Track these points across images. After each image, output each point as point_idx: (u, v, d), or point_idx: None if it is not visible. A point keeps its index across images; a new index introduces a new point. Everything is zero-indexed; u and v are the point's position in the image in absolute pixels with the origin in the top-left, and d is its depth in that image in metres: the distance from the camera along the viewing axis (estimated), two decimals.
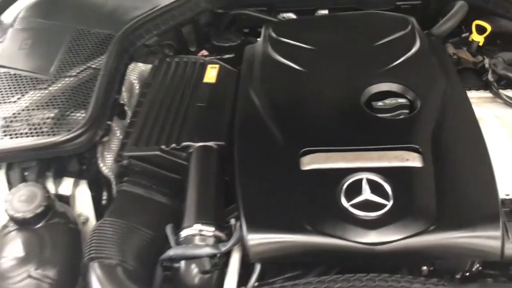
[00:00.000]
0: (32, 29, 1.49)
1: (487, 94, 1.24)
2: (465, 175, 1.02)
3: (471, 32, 1.38)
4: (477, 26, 1.38)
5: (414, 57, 1.25)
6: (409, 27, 1.34)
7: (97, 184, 1.22)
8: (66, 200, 1.19)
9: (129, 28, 1.43)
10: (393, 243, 0.92)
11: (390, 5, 1.49)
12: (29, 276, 1.00)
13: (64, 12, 1.57)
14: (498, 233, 0.92)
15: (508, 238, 0.95)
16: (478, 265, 0.98)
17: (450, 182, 1.00)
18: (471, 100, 1.17)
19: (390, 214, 0.95)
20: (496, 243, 0.91)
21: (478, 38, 1.37)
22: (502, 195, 1.00)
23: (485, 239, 0.92)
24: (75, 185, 1.21)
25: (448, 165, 1.03)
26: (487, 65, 1.28)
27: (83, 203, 1.20)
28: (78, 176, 1.23)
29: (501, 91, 1.22)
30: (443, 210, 0.95)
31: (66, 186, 1.21)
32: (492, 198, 0.96)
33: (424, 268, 0.99)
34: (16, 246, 1.03)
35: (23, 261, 1.01)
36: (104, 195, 1.23)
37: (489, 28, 1.37)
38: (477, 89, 1.26)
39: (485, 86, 1.26)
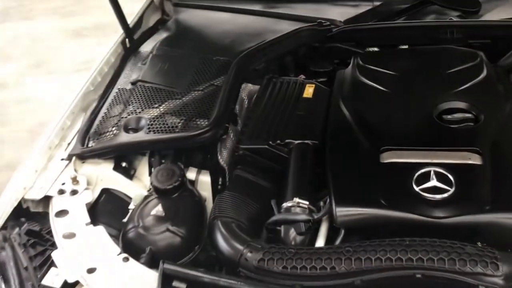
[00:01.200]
0: (167, 56, 1.89)
1: None
2: None
3: None
4: None
5: (480, 83, 1.50)
6: (478, 59, 1.59)
7: (215, 172, 1.55)
8: (192, 183, 1.53)
9: (243, 56, 1.78)
10: (452, 218, 1.16)
11: (463, 43, 1.74)
12: (167, 230, 1.32)
13: (191, 44, 1.98)
14: None
15: None
16: None
17: (504, 177, 1.23)
18: None
19: (452, 197, 1.19)
20: None
21: None
22: None
23: None
24: (198, 173, 1.55)
25: (503, 165, 1.26)
26: None
27: (204, 186, 1.54)
28: (201, 166, 1.57)
29: None
30: (496, 197, 1.18)
31: (191, 173, 1.55)
32: None
33: (479, 243, 1.20)
34: (158, 208, 1.37)
35: (163, 219, 1.34)
36: (220, 182, 1.55)
37: None
38: None
39: None
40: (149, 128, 1.56)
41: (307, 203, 1.28)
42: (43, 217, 1.43)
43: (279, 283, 1.11)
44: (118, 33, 2.05)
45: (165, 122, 1.57)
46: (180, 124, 1.56)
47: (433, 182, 1.23)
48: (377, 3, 1.96)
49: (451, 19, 1.87)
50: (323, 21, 1.86)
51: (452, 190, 1.21)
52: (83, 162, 1.56)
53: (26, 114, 4.23)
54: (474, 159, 1.27)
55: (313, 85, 1.67)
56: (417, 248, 1.08)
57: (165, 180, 1.40)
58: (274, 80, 1.73)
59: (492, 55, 1.67)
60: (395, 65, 1.63)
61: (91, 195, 1.46)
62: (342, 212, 1.23)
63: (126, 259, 1.24)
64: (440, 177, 1.23)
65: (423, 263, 1.05)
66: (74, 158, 1.55)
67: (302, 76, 1.78)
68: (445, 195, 1.20)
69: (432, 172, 1.24)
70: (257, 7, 2.09)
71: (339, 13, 1.94)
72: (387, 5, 1.95)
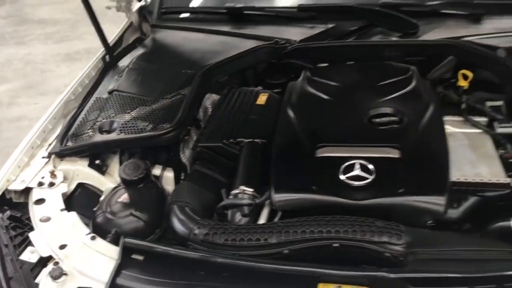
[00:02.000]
0: (142, 69, 2.12)
1: (461, 118, 1.69)
2: (428, 165, 1.46)
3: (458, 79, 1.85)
4: (463, 74, 1.84)
5: (408, 92, 1.73)
6: (409, 73, 1.83)
7: (178, 169, 1.76)
8: (157, 178, 1.74)
9: (207, 69, 2.01)
10: (370, 200, 1.37)
11: (402, 60, 1.98)
12: (131, 214, 1.52)
13: (164, 59, 2.21)
14: (442, 200, 1.35)
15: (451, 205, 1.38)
16: (431, 221, 1.39)
17: (417, 169, 1.45)
18: (450, 121, 1.65)
19: (371, 183, 1.40)
20: (440, 207, 1.35)
21: (463, 83, 1.82)
22: (453, 178, 1.43)
23: (433, 204, 1.35)
24: (163, 169, 1.76)
25: (418, 158, 1.48)
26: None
27: (168, 181, 1.74)
28: (165, 164, 1.78)
29: (470, 117, 1.67)
30: (409, 183, 1.39)
31: (157, 170, 1.76)
32: (443, 178, 1.40)
33: None
34: (125, 196, 1.58)
35: (128, 205, 1.55)
36: (182, 177, 1.76)
37: (471, 75, 1.83)
38: (456, 115, 1.71)
39: (460, 113, 1.71)
40: (120, 130, 1.77)
41: (252, 190, 1.49)
42: (24, 206, 1.62)
43: (221, 253, 1.30)
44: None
45: (135, 125, 1.79)
46: (148, 127, 1.77)
47: (357, 172, 1.44)
48: (330, 25, 2.21)
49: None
50: (279, 40, 2.10)
51: (371, 178, 1.42)
52: (61, 160, 1.77)
53: (18, 131, 4.42)
54: (393, 153, 1.49)
55: (267, 94, 1.89)
56: (336, 222, 1.29)
57: (131, 173, 1.61)
58: (233, 90, 1.95)
59: (428, 69, 1.91)
60: (338, 78, 1.86)
61: (67, 188, 1.67)
62: (280, 197, 1.44)
63: (93, 238, 1.44)
64: (363, 168, 1.45)
65: (339, 234, 1.26)
66: (53, 156, 1.76)
67: (260, 88, 2.01)
68: (366, 182, 1.41)
69: (356, 164, 1.46)
70: (224, 29, 2.34)
71: (296, 34, 2.19)
72: (338, 27, 2.19)
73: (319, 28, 2.21)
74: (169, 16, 2.55)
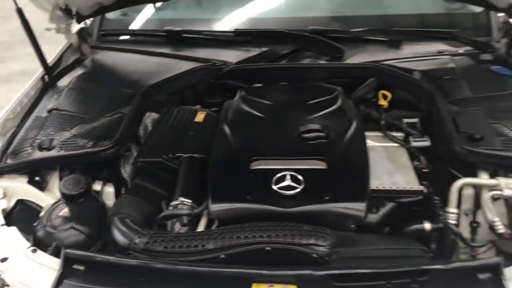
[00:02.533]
0: (82, 89, 2.17)
1: (380, 133, 1.87)
2: (351, 175, 1.61)
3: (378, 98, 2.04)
4: (382, 94, 2.03)
5: (334, 110, 1.89)
6: (335, 93, 1.99)
7: (119, 184, 1.82)
8: (98, 193, 1.78)
9: (147, 89, 2.09)
10: (300, 207, 1.49)
11: (328, 81, 2.15)
12: (72, 228, 1.57)
13: (103, 79, 2.27)
14: (363, 207, 1.49)
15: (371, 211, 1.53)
16: (353, 225, 1.53)
17: (341, 179, 1.59)
18: (371, 136, 1.81)
19: (300, 192, 1.53)
20: (361, 213, 1.49)
21: (383, 102, 2.01)
22: (373, 186, 1.59)
23: (355, 210, 1.50)
24: (103, 185, 1.82)
25: (342, 169, 1.62)
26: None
27: (109, 196, 1.79)
28: (106, 180, 1.83)
29: (389, 132, 1.85)
30: (334, 192, 1.53)
31: (97, 185, 1.81)
32: (364, 187, 1.55)
33: None
34: (65, 210, 1.62)
35: (69, 219, 1.59)
36: (122, 192, 1.82)
37: (390, 95, 2.02)
38: (376, 130, 1.89)
39: (380, 129, 1.89)
40: (60, 147, 1.81)
41: (190, 201, 1.58)
42: None
43: (160, 260, 1.38)
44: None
45: (75, 142, 1.84)
46: (88, 144, 1.83)
47: (287, 182, 1.56)
48: (264, 49, 2.36)
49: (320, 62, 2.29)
50: (216, 62, 2.22)
51: (301, 187, 1.55)
52: (0, 177, 1.78)
53: None
54: (320, 165, 1.63)
55: (205, 112, 2.00)
56: (268, 228, 1.40)
57: (72, 187, 1.66)
58: (172, 108, 2.04)
59: (352, 90, 2.08)
60: (271, 97, 2.00)
61: (6, 204, 1.69)
62: (217, 207, 1.54)
63: (34, 251, 1.47)
64: (293, 178, 1.57)
65: (270, 239, 1.37)
66: None
67: (198, 106, 2.11)
68: (295, 191, 1.54)
69: (287, 175, 1.58)
70: (163, 50, 2.43)
71: (232, 56, 2.32)
72: (271, 50, 2.34)
73: (254, 51, 2.35)
74: (108, 38, 2.62)
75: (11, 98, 2.18)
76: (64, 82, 2.27)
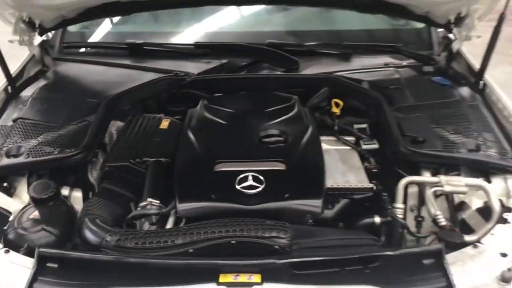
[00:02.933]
0: (46, 98, 2.22)
1: (334, 138, 2.03)
2: (308, 175, 1.75)
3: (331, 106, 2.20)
4: (335, 102, 2.19)
5: (291, 117, 2.03)
6: (292, 101, 2.13)
7: (86, 189, 1.88)
8: (66, 198, 1.84)
9: (111, 98, 2.17)
10: (262, 205, 1.61)
11: (285, 91, 2.29)
12: (43, 229, 1.62)
13: (67, 89, 2.33)
14: (319, 203, 1.63)
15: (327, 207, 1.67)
16: (311, 220, 1.66)
17: (299, 178, 1.72)
18: (325, 140, 1.96)
19: (261, 191, 1.65)
20: (318, 209, 1.63)
21: (335, 110, 2.17)
22: (328, 185, 1.73)
23: (312, 206, 1.63)
24: (71, 190, 1.88)
25: (300, 170, 1.75)
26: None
27: (77, 201, 1.86)
28: (73, 185, 1.89)
29: (341, 136, 2.01)
30: (293, 190, 1.66)
31: (65, 190, 1.87)
32: (320, 185, 1.69)
33: None
34: (35, 213, 1.67)
35: (39, 221, 1.64)
36: (90, 196, 1.88)
37: (342, 103, 2.18)
38: (330, 135, 2.04)
39: (333, 134, 2.04)
40: (28, 153, 1.86)
41: (158, 202, 1.67)
42: None
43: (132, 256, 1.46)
44: None
45: (42, 149, 1.89)
46: (55, 150, 1.89)
47: (250, 182, 1.68)
48: (224, 61, 2.48)
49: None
50: (178, 73, 2.33)
51: (262, 187, 1.67)
52: None
53: None
54: (279, 166, 1.76)
55: (169, 120, 2.09)
56: (233, 224, 1.50)
57: (41, 192, 1.72)
58: (137, 117, 2.13)
59: (307, 98, 2.23)
60: (232, 105, 2.12)
61: None
62: (184, 206, 1.64)
63: (7, 251, 1.52)
64: (255, 179, 1.69)
65: (236, 233, 1.48)
66: None
67: (162, 115, 2.21)
68: (257, 190, 1.66)
69: (249, 176, 1.70)
70: (126, 62, 2.52)
71: (194, 67, 2.43)
72: (231, 62, 2.47)
73: (214, 63, 2.47)
74: (70, 50, 2.68)
75: None
76: (27, 92, 2.32)
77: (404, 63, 2.50)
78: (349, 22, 2.80)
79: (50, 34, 2.65)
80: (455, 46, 2.48)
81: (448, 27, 2.43)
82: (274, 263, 1.39)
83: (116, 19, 2.81)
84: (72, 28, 2.74)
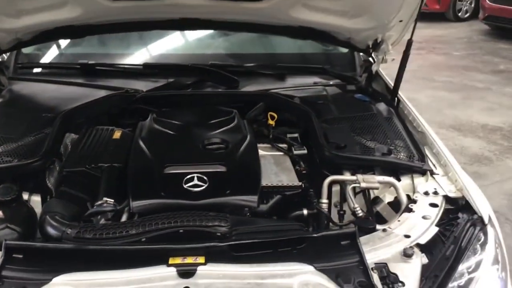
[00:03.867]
0: (3, 113, 2.39)
1: (269, 145, 2.31)
2: (246, 175, 2.01)
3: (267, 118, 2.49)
4: (270, 115, 2.48)
5: (231, 128, 2.30)
6: (232, 114, 2.41)
7: (45, 193, 2.07)
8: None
9: (66, 112, 2.37)
10: (205, 200, 1.86)
11: (226, 105, 2.56)
12: (7, 227, 1.80)
13: (24, 106, 2.51)
14: (255, 199, 1.90)
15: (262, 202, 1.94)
16: (248, 213, 1.92)
17: (238, 178, 1.98)
18: (262, 147, 2.24)
19: (205, 189, 1.90)
20: (254, 203, 1.89)
21: (271, 122, 2.46)
22: (263, 183, 2.00)
23: (249, 201, 1.89)
24: (30, 194, 2.05)
25: (239, 171, 2.02)
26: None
27: (36, 205, 2.03)
28: (31, 190, 2.07)
29: (276, 144, 2.30)
30: (233, 188, 1.92)
31: (25, 195, 2.04)
32: (256, 184, 1.96)
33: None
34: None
35: (3, 220, 1.82)
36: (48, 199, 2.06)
37: (276, 116, 2.48)
38: (266, 143, 2.33)
39: (269, 142, 2.33)
40: None
41: (113, 200, 1.88)
42: None
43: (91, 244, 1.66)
44: None
45: (3, 158, 2.07)
46: (15, 159, 2.06)
47: (195, 182, 1.92)
48: (171, 80, 2.74)
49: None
50: (129, 90, 2.56)
51: (205, 185, 1.91)
52: None
53: None
54: (221, 168, 2.01)
55: (121, 131, 2.31)
56: (180, 216, 1.73)
57: (4, 194, 1.90)
58: (91, 128, 2.33)
59: (246, 112, 2.51)
60: (178, 118, 2.37)
61: None
62: (137, 203, 1.86)
63: None
64: (199, 179, 1.94)
65: (183, 223, 1.71)
66: None
67: (114, 127, 2.42)
68: (202, 188, 1.90)
69: (194, 176, 1.95)
70: (78, 80, 2.72)
71: (143, 85, 2.67)
72: (177, 80, 2.73)
73: (161, 82, 2.72)
74: (24, 70, 2.86)
75: None
76: None
77: (331, 82, 2.84)
78: (284, 46, 3.14)
79: (5, 56, 2.82)
80: (374, 68, 2.85)
81: (367, 51, 2.80)
82: (216, 246, 1.63)
83: (67, 40, 3.01)
84: (25, 50, 2.92)
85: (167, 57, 2.97)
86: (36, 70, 2.93)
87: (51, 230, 1.74)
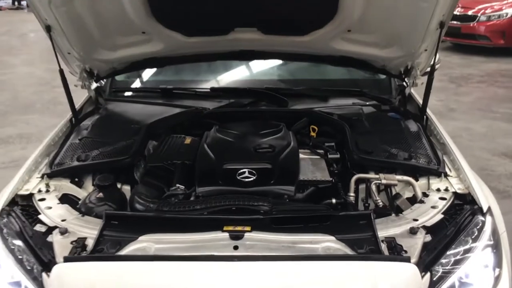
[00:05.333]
0: (101, 125, 3.07)
1: (309, 151, 2.82)
2: (286, 171, 2.52)
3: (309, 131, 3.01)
4: (312, 128, 2.99)
5: (279, 136, 2.82)
6: (280, 127, 2.94)
7: (133, 184, 2.67)
8: None
9: (150, 124, 2.99)
10: (254, 188, 2.39)
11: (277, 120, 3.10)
12: (106, 204, 2.40)
13: (117, 119, 3.18)
14: (292, 188, 2.41)
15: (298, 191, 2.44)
16: (287, 199, 2.41)
17: (280, 172, 2.49)
18: (303, 152, 2.75)
19: (254, 180, 2.43)
20: (291, 192, 2.40)
21: (312, 133, 2.96)
22: (301, 178, 2.50)
23: (288, 190, 2.40)
24: (122, 185, 2.67)
25: (281, 167, 2.53)
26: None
27: (126, 192, 2.64)
28: (123, 182, 2.69)
29: (315, 150, 2.80)
30: (275, 180, 2.43)
31: (118, 185, 2.66)
32: (294, 177, 2.47)
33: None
34: (100, 194, 2.45)
35: (102, 199, 2.42)
36: None
37: (317, 129, 2.98)
38: (307, 149, 2.84)
39: (309, 148, 2.84)
40: (93, 158, 2.68)
41: (184, 187, 2.45)
42: (27, 205, 2.43)
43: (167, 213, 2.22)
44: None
45: (102, 156, 2.70)
46: (112, 157, 2.70)
47: (246, 174, 2.46)
48: (232, 100, 3.33)
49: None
50: (198, 108, 3.17)
51: (254, 177, 2.44)
52: (51, 178, 2.61)
53: None
54: (266, 165, 2.53)
55: (191, 138, 2.91)
56: (233, 197, 2.27)
57: (104, 180, 2.51)
58: (168, 136, 2.94)
59: (292, 125, 3.04)
60: (236, 129, 2.93)
61: (56, 194, 2.51)
62: (201, 189, 2.42)
63: (83, 215, 2.29)
64: (250, 172, 2.47)
65: (235, 202, 2.24)
66: (45, 176, 2.60)
67: (186, 136, 3.01)
68: (251, 179, 2.44)
69: (246, 171, 2.48)
70: (159, 101, 3.38)
71: (210, 104, 3.27)
72: (237, 101, 3.32)
73: (224, 102, 3.32)
74: (117, 93, 3.56)
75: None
76: (86, 123, 3.16)
77: (367, 103, 3.32)
78: (329, 72, 3.66)
79: (102, 82, 3.54)
80: (407, 91, 3.30)
81: (400, 76, 3.26)
82: (259, 219, 2.14)
83: (152, 69, 3.70)
84: (118, 77, 3.63)
85: (229, 82, 3.59)
86: (126, 93, 3.63)
87: (138, 205, 2.33)
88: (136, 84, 3.71)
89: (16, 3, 30.80)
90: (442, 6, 2.58)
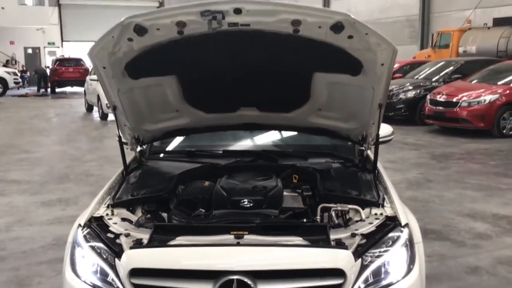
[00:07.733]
0: (145, 175, 4.34)
1: (290, 190, 4.04)
2: (273, 201, 3.72)
3: None
4: (294, 176, 4.22)
5: (269, 181, 4.04)
6: (271, 175, 4.18)
7: (168, 212, 3.90)
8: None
9: (179, 175, 4.25)
10: (250, 210, 3.59)
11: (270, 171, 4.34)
12: (152, 221, 3.61)
13: (155, 173, 4.46)
14: (276, 211, 3.62)
15: (281, 214, 3.65)
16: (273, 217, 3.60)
17: (269, 202, 3.70)
18: (286, 191, 3.99)
19: (251, 206, 3.64)
20: (275, 213, 3.61)
21: (294, 180, 4.19)
22: (283, 205, 3.72)
23: (272, 212, 3.60)
24: (161, 212, 3.89)
25: (269, 199, 3.74)
26: None
27: (164, 217, 3.86)
28: (161, 210, 3.90)
29: (294, 189, 4.03)
30: (266, 206, 3.64)
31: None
32: (279, 204, 3.69)
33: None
34: (148, 216, 3.68)
35: (150, 219, 3.64)
36: None
37: (298, 177, 4.21)
38: (290, 190, 4.06)
39: (291, 189, 4.07)
40: (141, 195, 3.92)
41: (204, 210, 3.67)
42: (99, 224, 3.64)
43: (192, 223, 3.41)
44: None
45: (148, 194, 3.94)
46: (153, 193, 3.94)
47: (246, 203, 3.66)
48: (238, 159, 4.60)
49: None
50: (213, 163, 4.44)
51: (251, 204, 3.65)
52: (114, 208, 3.83)
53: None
54: (260, 198, 3.73)
55: (208, 182, 4.13)
56: (236, 214, 3.48)
57: (150, 207, 3.74)
58: (193, 182, 4.18)
59: (279, 175, 4.27)
60: (240, 176, 4.15)
61: (118, 217, 3.72)
62: (216, 212, 3.63)
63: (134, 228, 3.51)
64: (248, 201, 3.66)
65: (237, 218, 3.44)
66: (110, 206, 3.83)
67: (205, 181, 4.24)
68: (249, 205, 3.64)
69: (246, 200, 3.69)
70: (185, 159, 4.67)
71: (222, 161, 4.52)
72: (242, 160, 4.57)
73: (233, 159, 4.60)
74: (155, 155, 4.88)
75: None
76: (134, 174, 4.43)
77: (336, 161, 4.58)
78: (309, 139, 4.96)
79: (144, 146, 4.86)
80: (365, 153, 4.57)
81: (359, 142, 4.55)
82: (253, 226, 3.31)
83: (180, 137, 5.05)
84: (155, 143, 4.95)
85: (236, 146, 4.91)
86: (161, 154, 4.95)
87: (174, 221, 3.54)
88: (169, 148, 5.05)
89: (41, 90, 33.21)
90: (378, 94, 3.88)
